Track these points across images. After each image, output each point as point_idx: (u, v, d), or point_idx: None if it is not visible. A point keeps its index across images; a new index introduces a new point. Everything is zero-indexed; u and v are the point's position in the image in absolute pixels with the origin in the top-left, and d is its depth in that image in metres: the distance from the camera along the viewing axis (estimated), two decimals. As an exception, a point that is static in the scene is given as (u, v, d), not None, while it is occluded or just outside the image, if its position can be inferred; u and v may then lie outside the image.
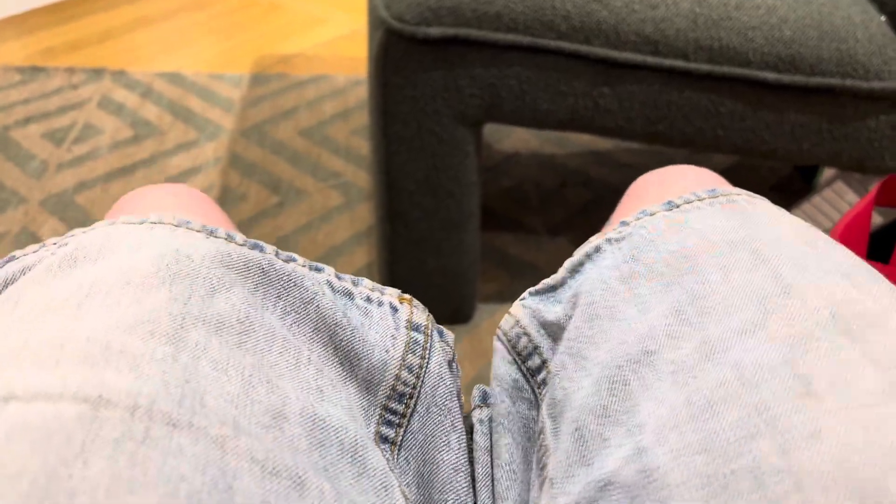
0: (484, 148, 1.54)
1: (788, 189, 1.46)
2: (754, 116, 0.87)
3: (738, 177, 1.50)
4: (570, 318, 0.36)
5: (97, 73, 1.76)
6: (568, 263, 0.37)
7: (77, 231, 0.33)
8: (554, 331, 0.37)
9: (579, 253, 0.37)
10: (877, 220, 1.01)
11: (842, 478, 0.21)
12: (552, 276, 0.38)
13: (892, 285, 0.29)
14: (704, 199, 0.36)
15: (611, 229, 0.37)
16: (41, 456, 0.21)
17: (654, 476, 0.25)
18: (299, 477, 0.25)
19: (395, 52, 0.85)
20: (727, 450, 0.24)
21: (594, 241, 0.37)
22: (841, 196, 1.11)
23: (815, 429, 0.22)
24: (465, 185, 0.97)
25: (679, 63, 0.83)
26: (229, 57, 1.87)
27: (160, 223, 0.33)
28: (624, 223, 0.36)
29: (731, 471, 0.23)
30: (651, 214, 0.36)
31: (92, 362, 0.24)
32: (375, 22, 0.87)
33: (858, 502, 0.20)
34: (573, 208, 1.41)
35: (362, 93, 1.73)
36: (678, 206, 0.36)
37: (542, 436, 0.34)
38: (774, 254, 0.30)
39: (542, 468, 0.33)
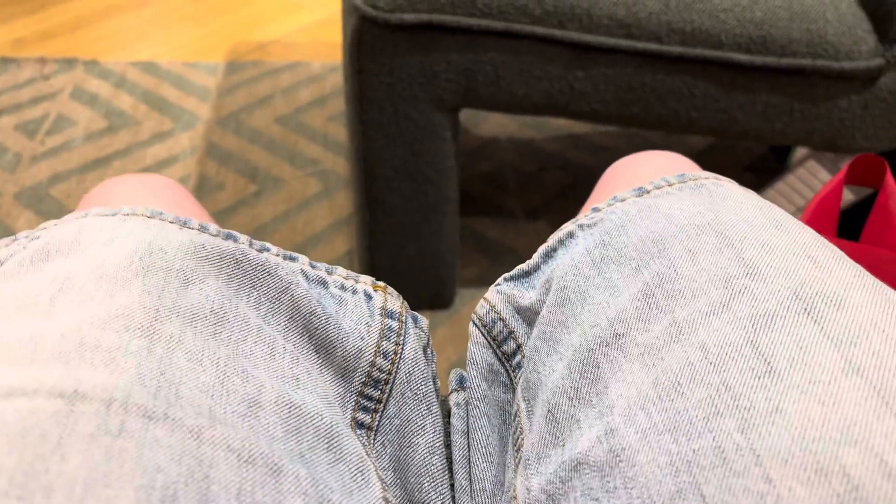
0: (461, 133, 1.54)
1: (763, 169, 1.48)
2: (727, 98, 0.88)
3: (714, 158, 1.51)
4: (544, 302, 0.36)
5: (69, 62, 1.73)
6: (542, 249, 0.38)
7: (49, 224, 0.33)
8: (528, 316, 0.38)
9: (553, 239, 0.38)
10: (848, 197, 1.03)
11: (800, 452, 0.22)
12: (526, 262, 0.39)
13: (854, 264, 0.30)
14: (674, 184, 0.36)
15: (583, 215, 0.38)
16: (17, 452, 0.21)
17: (623, 455, 0.25)
18: (275, 464, 0.25)
19: (369, 38, 0.85)
20: (692, 428, 0.24)
21: (567, 227, 0.38)
22: (814, 175, 1.12)
23: (775, 406, 0.23)
24: (443, 171, 0.98)
25: (652, 46, 0.83)
26: (204, 44, 1.85)
27: (133, 214, 0.33)
28: (595, 209, 0.37)
29: (696, 448, 0.24)
30: (622, 200, 0.36)
31: (67, 358, 0.24)
32: (349, 9, 0.86)
33: (815, 475, 0.21)
34: (551, 192, 1.41)
35: (339, 79, 1.72)
36: (648, 192, 0.36)
37: (517, 418, 0.34)
38: (739, 236, 0.31)
39: (518, 449, 0.33)
